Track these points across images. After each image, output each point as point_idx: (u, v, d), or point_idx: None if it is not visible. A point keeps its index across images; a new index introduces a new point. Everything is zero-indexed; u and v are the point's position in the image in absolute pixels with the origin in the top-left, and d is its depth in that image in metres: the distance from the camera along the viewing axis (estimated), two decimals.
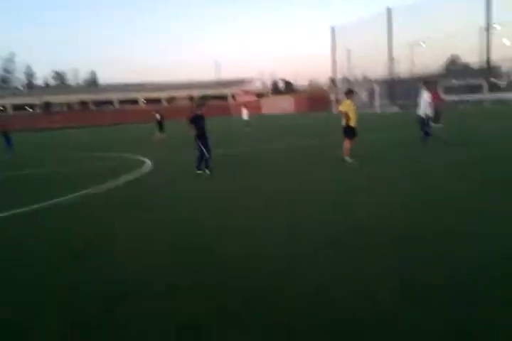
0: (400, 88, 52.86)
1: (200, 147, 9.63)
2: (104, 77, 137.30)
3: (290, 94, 71.08)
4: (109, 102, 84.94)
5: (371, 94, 52.00)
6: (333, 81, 65.70)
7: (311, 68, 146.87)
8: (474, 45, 44.70)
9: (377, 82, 49.96)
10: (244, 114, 27.99)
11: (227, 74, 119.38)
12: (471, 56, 65.47)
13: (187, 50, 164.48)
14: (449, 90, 42.52)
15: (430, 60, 62.70)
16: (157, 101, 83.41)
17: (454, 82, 41.92)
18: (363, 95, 55.92)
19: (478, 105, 36.71)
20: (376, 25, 50.90)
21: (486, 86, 40.01)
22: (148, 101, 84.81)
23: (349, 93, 10.33)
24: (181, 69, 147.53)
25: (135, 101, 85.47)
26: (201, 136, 9.68)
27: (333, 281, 3.34)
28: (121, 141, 23.86)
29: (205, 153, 9.62)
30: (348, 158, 9.87)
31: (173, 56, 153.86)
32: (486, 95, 38.95)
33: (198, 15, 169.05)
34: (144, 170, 10.84)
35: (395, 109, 43.29)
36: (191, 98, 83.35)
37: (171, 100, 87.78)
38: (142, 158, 13.33)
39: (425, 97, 11.98)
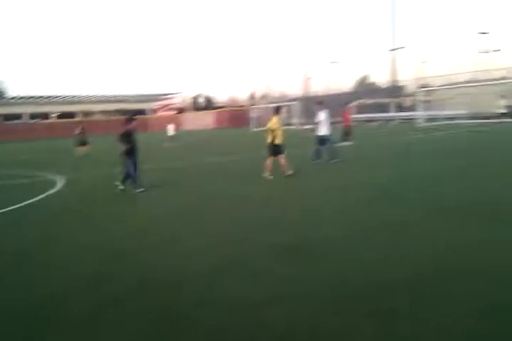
0: (317, 106, 54.60)
1: (129, 163, 9.23)
2: (14, 88, 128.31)
3: (211, 110, 70.86)
4: (19, 116, 79.02)
5: (288, 111, 53.18)
6: (252, 97, 66.63)
7: (231, 84, 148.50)
8: (383, 66, 47.56)
9: (294, 99, 51.19)
10: (170, 129, 28.11)
11: (147, 88, 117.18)
12: (380, 76, 69.39)
13: (104, 63, 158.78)
14: (360, 109, 44.58)
15: (343, 79, 65.93)
16: (71, 115, 79.10)
17: (365, 101, 43.99)
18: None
19: (387, 123, 38.66)
20: (293, 44, 52.50)
21: (393, 105, 42.43)
22: (62, 115, 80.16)
23: (277, 110, 10.44)
24: (98, 83, 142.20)
25: (46, 115, 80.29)
26: (131, 152, 9.27)
27: None
28: (32, 158, 21.87)
29: (134, 169, 9.25)
30: (266, 174, 9.96)
31: (90, 68, 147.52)
32: (394, 114, 41.25)
33: (122, 27, 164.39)
34: (56, 189, 10.23)
35: (311, 126, 44.40)
36: (122, 112, 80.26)
37: (86, 114, 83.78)
38: (55, 176, 12.31)
39: (322, 117, 12.06)
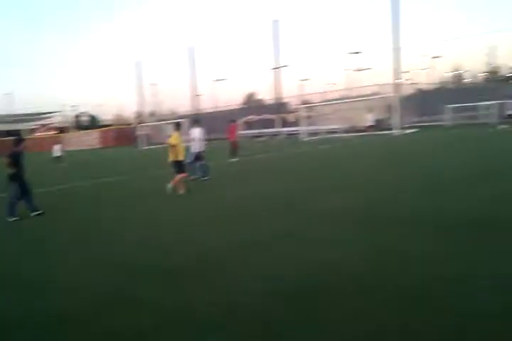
0: (205, 123, 55.07)
1: (18, 188, 8.50)
2: None
3: (95, 129, 67.64)
4: None
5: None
6: (139, 115, 65.07)
7: (116, 102, 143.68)
8: (267, 84, 49.67)
9: (183, 116, 51.03)
10: (57, 149, 27.93)
11: (23, 107, 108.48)
12: (266, 93, 72.24)
13: None
14: (248, 125, 45.89)
15: (231, 96, 67.52)
16: None
17: (252, 117, 45.39)
18: (170, 129, 56.51)
19: (273, 138, 40.20)
20: (180, 61, 52.68)
21: (278, 121, 44.29)
22: None
23: (178, 126, 10.45)
24: None
25: None
26: (20, 175, 8.58)
27: None
28: None
29: (23, 194, 8.56)
30: (182, 191, 9.97)
31: None
32: (280, 129, 43.06)
33: None
34: None
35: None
36: (12, 133, 72.37)
37: None
38: None
39: (196, 135, 12.45)
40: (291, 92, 64.63)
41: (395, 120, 29.66)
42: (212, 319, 3.45)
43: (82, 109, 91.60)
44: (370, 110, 32.50)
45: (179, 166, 10.15)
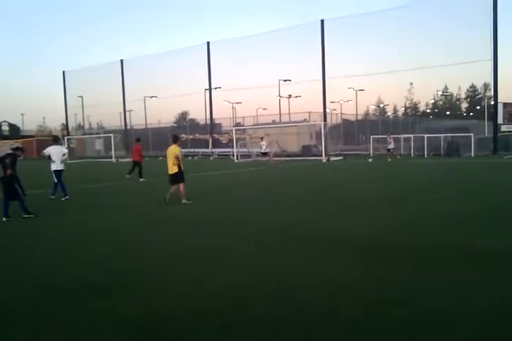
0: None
1: (16, 190, 9.16)
2: None
3: (16, 139, 63.82)
4: None
5: (107, 143, 51.47)
6: (65, 128, 62.57)
7: (40, 112, 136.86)
8: (201, 104, 50.08)
9: (112, 131, 49.86)
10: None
11: None
12: (199, 113, 72.62)
13: None
14: (181, 143, 45.72)
15: (163, 113, 66.98)
16: None
17: (184, 136, 45.41)
18: (98, 143, 54.86)
19: (206, 158, 40.49)
20: (111, 74, 51.54)
21: (210, 141, 44.74)
22: None
23: (176, 138, 11.29)
24: None
25: None
26: (16, 178, 9.31)
27: None
28: None
29: (21, 195, 9.27)
30: (184, 201, 10.62)
31: None
32: (212, 149, 43.51)
33: None
34: None
35: (130, 159, 43.72)
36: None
37: None
38: None
39: (53, 152, 12.54)
40: (223, 114, 65.43)
41: (323, 147, 31.17)
42: None
43: (2, 118, 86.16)
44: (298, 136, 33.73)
45: (179, 176, 10.74)
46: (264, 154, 29.38)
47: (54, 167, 12.48)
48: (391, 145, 29.76)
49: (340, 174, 20.40)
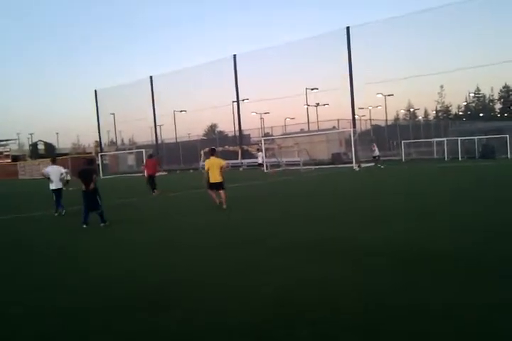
0: (165, 153, 55.09)
1: (97, 201, 10.15)
2: None
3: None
4: None
5: (139, 158, 52.48)
6: (98, 145, 64.20)
7: (74, 131, 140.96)
8: (229, 116, 50.59)
9: (143, 146, 50.85)
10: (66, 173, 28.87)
11: None
12: (227, 125, 73.14)
13: None
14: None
15: (192, 127, 67.94)
16: None
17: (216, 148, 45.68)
18: (130, 159, 55.98)
19: (236, 169, 40.68)
20: (141, 91, 52.67)
21: (239, 152, 44.93)
22: None
23: (213, 151, 12.81)
24: None
25: None
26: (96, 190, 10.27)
27: None
28: None
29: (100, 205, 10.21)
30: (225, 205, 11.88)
31: None
32: (241, 160, 43.69)
33: None
34: None
35: (162, 173, 44.41)
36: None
37: None
38: None
39: (50, 171, 12.86)
40: (252, 125, 65.84)
41: (353, 154, 30.80)
42: None
43: (38, 137, 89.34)
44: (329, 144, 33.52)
45: (221, 185, 12.06)
46: (260, 165, 30.31)
47: (53, 186, 12.90)
48: (376, 153, 30.27)
49: (374, 181, 20.01)
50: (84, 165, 11.19)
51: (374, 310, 3.99)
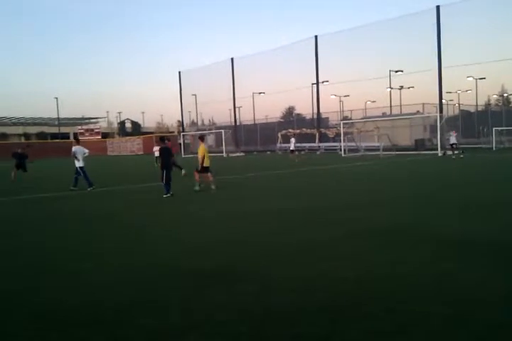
0: (243, 134, 56.01)
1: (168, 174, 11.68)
2: None
3: (138, 136, 69.71)
4: None
5: (218, 138, 53.91)
6: (180, 124, 66.66)
7: (159, 110, 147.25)
8: (307, 99, 50.01)
9: (223, 127, 52.07)
10: (156, 150, 30.71)
11: (70, 112, 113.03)
12: (305, 108, 72.63)
13: (22, 83, 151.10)
14: (286, 138, 46.34)
15: (271, 109, 68.19)
16: None
17: (291, 130, 45.81)
18: (209, 139, 57.64)
19: (313, 152, 40.45)
20: (221, 72, 53.56)
21: (317, 135, 44.53)
22: None
23: (202, 138, 13.55)
24: (15, 104, 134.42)
25: None
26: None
27: None
28: None
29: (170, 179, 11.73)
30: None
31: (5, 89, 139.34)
32: (319, 144, 43.34)
33: (40, 49, 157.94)
34: None
35: (240, 154, 45.35)
36: (42, 136, 75.66)
37: (2, 137, 78.85)
38: None
39: (77, 151, 14.03)
40: (330, 108, 64.64)
41: (438, 140, 29.32)
42: None
43: (125, 116, 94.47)
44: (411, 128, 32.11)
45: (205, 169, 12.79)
46: (292, 152, 28.94)
47: (79, 164, 13.99)
48: (453, 140, 26.26)
49: (463, 170, 18.97)
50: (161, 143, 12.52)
51: None
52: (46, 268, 5.40)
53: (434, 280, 4.38)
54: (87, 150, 14.67)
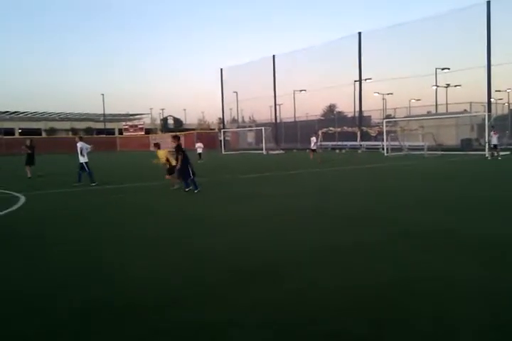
0: (284, 131, 55.98)
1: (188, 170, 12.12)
2: None
3: (180, 132, 70.99)
4: None
5: (258, 135, 54.18)
6: (221, 121, 67.38)
7: (200, 107, 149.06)
8: (349, 96, 49.42)
9: (263, 124, 52.26)
10: (199, 147, 31.49)
11: (114, 108, 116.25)
12: (347, 106, 71.64)
13: (69, 80, 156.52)
14: (327, 136, 45.99)
15: (311, 106, 67.73)
16: (35, 132, 77.50)
17: (332, 129, 45.44)
18: (249, 136, 58.01)
19: (354, 151, 40.03)
20: (263, 70, 53.57)
21: (359, 134, 43.95)
22: (25, 131, 78.38)
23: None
24: (63, 99, 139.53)
25: (10, 132, 78.02)
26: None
27: None
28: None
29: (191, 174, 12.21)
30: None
31: (54, 85, 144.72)
32: (360, 142, 42.78)
33: (86, 46, 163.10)
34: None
35: (280, 151, 45.43)
36: (88, 131, 78.50)
37: (51, 132, 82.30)
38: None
39: (81, 147, 14.74)
40: (373, 106, 63.55)
41: (486, 141, 28.33)
42: None
43: (168, 113, 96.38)
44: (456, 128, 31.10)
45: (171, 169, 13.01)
46: (313, 151, 27.83)
47: (84, 159, 14.60)
48: (494, 141, 25.66)
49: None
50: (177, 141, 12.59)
51: None
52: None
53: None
54: (89, 146, 15.31)
